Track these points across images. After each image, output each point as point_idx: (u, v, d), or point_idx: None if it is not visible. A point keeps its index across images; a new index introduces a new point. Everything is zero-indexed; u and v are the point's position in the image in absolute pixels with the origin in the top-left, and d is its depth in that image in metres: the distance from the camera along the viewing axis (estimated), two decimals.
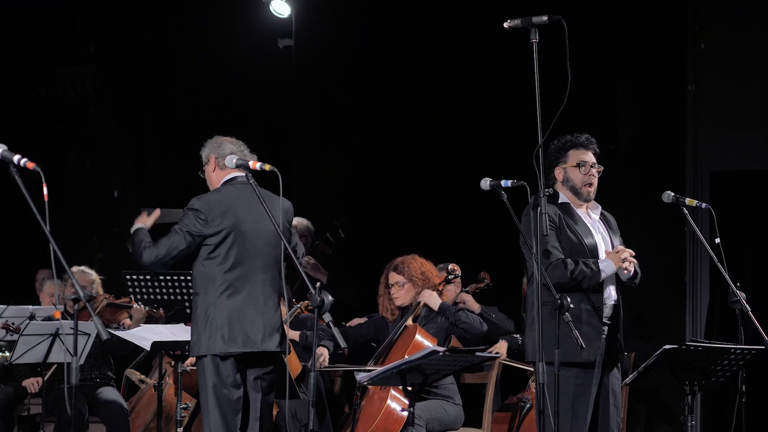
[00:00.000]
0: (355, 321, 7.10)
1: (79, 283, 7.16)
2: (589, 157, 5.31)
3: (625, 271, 5.16)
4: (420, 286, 6.46)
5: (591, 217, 5.36)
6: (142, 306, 7.17)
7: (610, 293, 5.23)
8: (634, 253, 5.16)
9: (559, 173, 5.32)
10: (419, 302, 6.47)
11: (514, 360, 7.12)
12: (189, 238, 5.31)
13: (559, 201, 5.30)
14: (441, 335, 6.43)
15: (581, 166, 5.26)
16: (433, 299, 6.41)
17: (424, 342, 6.14)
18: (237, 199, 5.36)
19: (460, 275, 6.91)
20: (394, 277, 6.50)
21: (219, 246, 5.32)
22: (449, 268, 6.76)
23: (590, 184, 5.29)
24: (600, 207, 5.41)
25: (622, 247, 5.19)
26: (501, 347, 7.07)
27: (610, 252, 5.17)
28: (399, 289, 6.49)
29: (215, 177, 5.55)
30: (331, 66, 9.14)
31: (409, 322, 6.44)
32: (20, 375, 7.20)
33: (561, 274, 5.03)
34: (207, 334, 5.27)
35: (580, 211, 5.33)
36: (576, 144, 5.31)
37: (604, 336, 5.16)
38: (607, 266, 5.14)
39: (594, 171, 5.29)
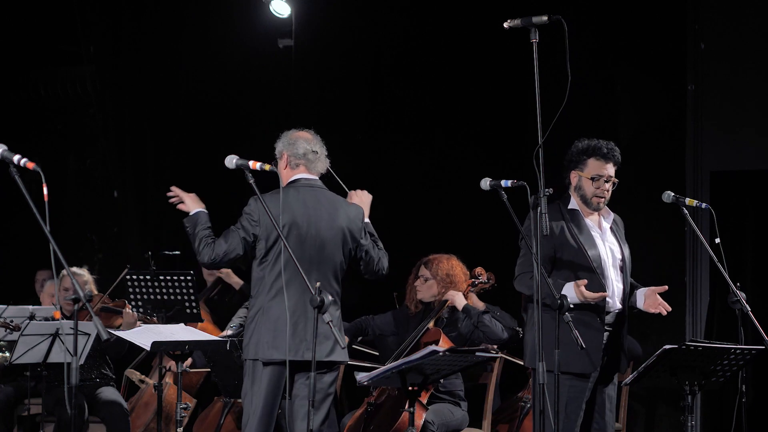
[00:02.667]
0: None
1: (71, 285, 7.19)
2: (608, 169, 5.29)
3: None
4: (443, 286, 6.55)
5: (602, 226, 5.35)
6: (133, 311, 7.15)
7: (615, 303, 5.25)
8: (599, 298, 5.08)
9: (573, 177, 5.32)
10: (445, 301, 6.51)
11: (513, 356, 7.12)
12: (244, 243, 5.23)
13: (569, 206, 5.30)
14: (459, 342, 6.45)
15: (595, 180, 5.26)
16: (458, 299, 6.51)
17: None
18: (294, 202, 5.26)
19: (486, 281, 6.91)
20: (422, 270, 6.66)
21: (270, 250, 5.23)
22: (476, 272, 6.81)
23: (601, 197, 5.29)
24: (613, 214, 5.41)
25: (592, 295, 5.05)
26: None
27: (578, 290, 5.03)
28: (422, 283, 6.65)
29: (284, 175, 5.40)
30: (331, 66, 9.14)
31: (431, 325, 6.48)
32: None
33: (528, 286, 5.05)
34: (254, 338, 5.22)
35: (590, 220, 5.32)
36: (597, 153, 5.29)
37: (604, 344, 5.17)
38: (570, 298, 4.96)
39: (608, 186, 5.28)
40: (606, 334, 5.20)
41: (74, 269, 7.49)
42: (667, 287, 5.27)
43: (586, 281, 5.09)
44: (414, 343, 6.42)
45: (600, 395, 5.26)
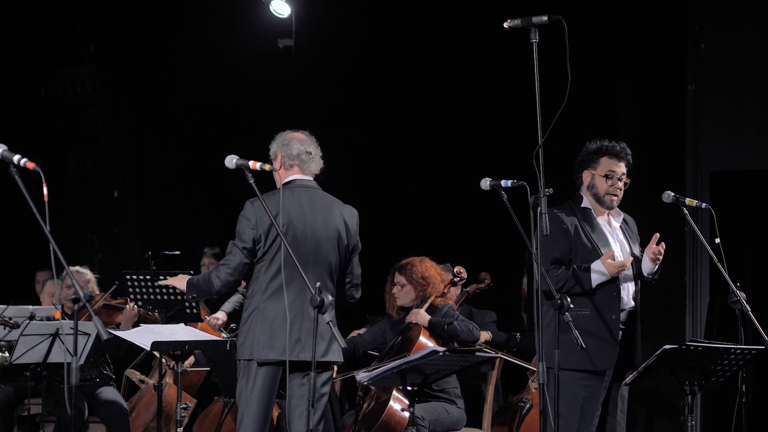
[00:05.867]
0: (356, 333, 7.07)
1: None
2: (620, 168, 5.33)
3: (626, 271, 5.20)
4: (420, 290, 6.51)
5: (611, 225, 5.38)
6: (136, 308, 7.15)
7: (629, 300, 5.26)
8: (627, 264, 5.19)
9: (586, 177, 5.35)
10: (410, 323, 6.50)
11: (515, 357, 7.14)
12: (247, 252, 5.22)
13: (581, 205, 5.33)
14: (441, 338, 6.44)
15: (609, 177, 5.29)
16: (421, 318, 6.45)
17: (428, 344, 6.15)
18: (291, 203, 5.25)
19: (466, 278, 6.92)
20: (397, 277, 6.59)
21: (267, 251, 5.21)
22: (455, 271, 6.80)
23: (615, 195, 5.31)
24: (622, 214, 5.43)
25: (621, 261, 5.20)
26: (483, 336, 7.05)
27: (608, 262, 5.17)
28: (399, 290, 6.57)
29: (279, 176, 5.39)
30: (331, 66, 9.14)
31: (409, 333, 6.47)
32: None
33: (552, 279, 5.07)
34: (249, 338, 5.20)
35: (601, 219, 5.36)
36: (610, 152, 5.33)
37: (619, 343, 5.18)
38: (599, 275, 5.16)
39: (620, 184, 5.32)
40: (620, 331, 5.22)
41: (76, 268, 7.49)
42: (659, 234, 5.25)
43: (612, 252, 5.19)
44: (399, 341, 6.41)
45: (613, 395, 5.28)
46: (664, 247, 5.22)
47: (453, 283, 6.82)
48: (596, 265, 5.17)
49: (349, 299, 5.55)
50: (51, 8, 9.92)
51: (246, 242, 5.22)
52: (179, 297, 7.25)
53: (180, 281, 5.48)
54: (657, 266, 5.27)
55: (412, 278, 6.55)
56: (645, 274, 5.31)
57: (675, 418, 7.73)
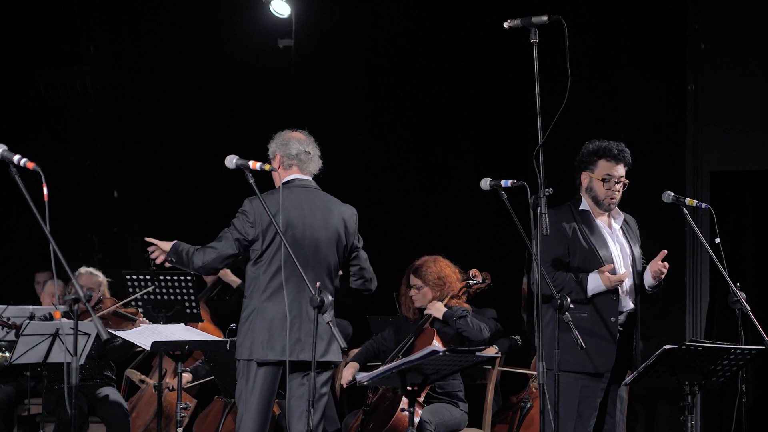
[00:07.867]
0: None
1: (87, 285, 7.19)
2: (619, 170, 5.31)
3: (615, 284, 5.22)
4: (437, 290, 6.51)
5: (612, 227, 5.37)
6: (149, 322, 7.16)
7: (627, 302, 5.26)
8: (624, 279, 5.20)
9: (585, 179, 5.34)
10: (429, 315, 6.50)
11: (513, 366, 7.14)
12: (238, 244, 5.22)
13: (580, 207, 5.33)
14: (452, 342, 6.45)
15: (606, 180, 5.28)
16: (436, 309, 6.45)
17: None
18: (290, 203, 5.25)
19: (481, 281, 6.92)
20: (413, 280, 6.59)
21: (266, 251, 5.22)
22: (471, 274, 6.79)
23: (612, 198, 5.31)
24: (623, 215, 5.42)
25: (619, 276, 5.20)
26: (490, 351, 7.03)
27: (606, 275, 5.17)
28: (417, 292, 6.60)
29: (277, 176, 5.38)
30: (331, 66, 9.14)
31: (427, 326, 6.48)
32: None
33: (551, 282, 5.07)
34: (248, 338, 5.20)
35: (600, 220, 5.35)
36: (608, 154, 5.31)
37: (616, 345, 5.18)
38: (595, 287, 5.18)
39: (618, 187, 5.31)
40: (618, 333, 5.22)
41: (91, 270, 7.49)
42: (666, 251, 5.25)
43: (611, 266, 5.20)
44: (410, 344, 6.41)
45: (611, 396, 5.28)
46: (667, 266, 5.22)
47: (469, 286, 6.80)
48: (593, 277, 5.18)
49: (365, 292, 5.55)
50: (51, 8, 9.91)
51: (242, 235, 5.22)
52: (179, 297, 7.25)
53: (165, 244, 5.41)
54: (659, 282, 5.27)
55: (428, 279, 6.55)
56: (646, 286, 5.32)
57: (675, 418, 7.73)
